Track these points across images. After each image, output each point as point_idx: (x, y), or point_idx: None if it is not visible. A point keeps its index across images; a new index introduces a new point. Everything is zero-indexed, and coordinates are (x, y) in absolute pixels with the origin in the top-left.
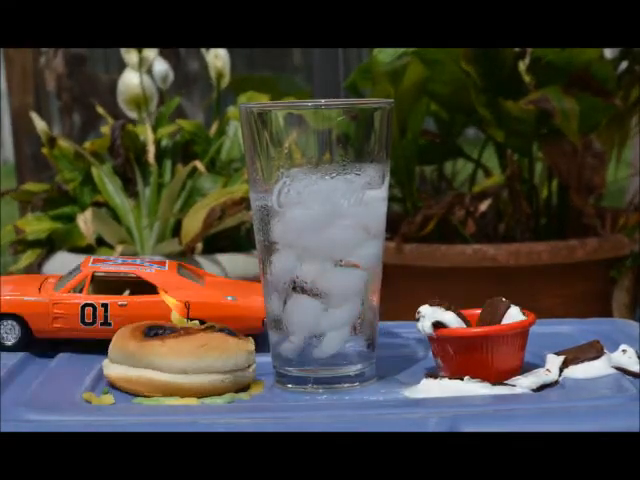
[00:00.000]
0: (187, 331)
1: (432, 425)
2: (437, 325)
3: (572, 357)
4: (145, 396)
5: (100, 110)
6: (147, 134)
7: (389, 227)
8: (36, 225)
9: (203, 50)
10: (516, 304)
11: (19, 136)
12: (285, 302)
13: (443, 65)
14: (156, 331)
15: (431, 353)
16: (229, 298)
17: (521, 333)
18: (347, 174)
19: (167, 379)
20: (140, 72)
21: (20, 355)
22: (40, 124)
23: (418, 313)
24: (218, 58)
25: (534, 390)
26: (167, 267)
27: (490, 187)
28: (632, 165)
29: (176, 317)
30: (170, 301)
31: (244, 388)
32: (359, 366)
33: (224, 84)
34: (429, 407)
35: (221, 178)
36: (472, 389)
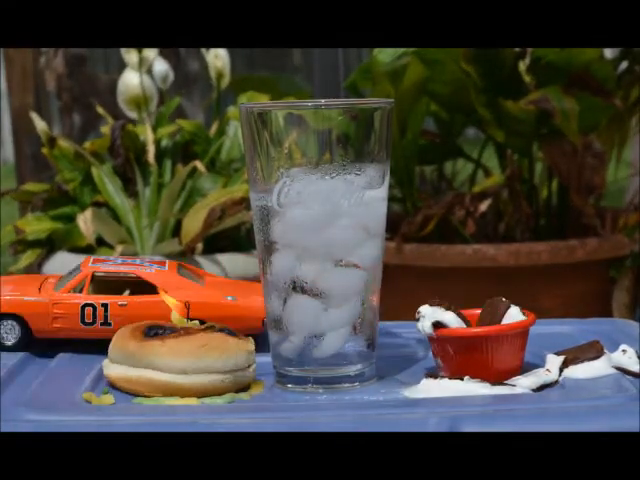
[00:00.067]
0: (187, 331)
1: (432, 425)
2: (437, 325)
3: (572, 357)
4: (145, 396)
5: (100, 110)
6: (147, 134)
7: (389, 227)
8: (36, 225)
9: (203, 50)
10: (516, 304)
11: (19, 136)
12: (285, 302)
13: (443, 65)
14: (156, 331)
15: (431, 353)
16: (229, 298)
17: (521, 333)
18: (347, 174)
19: (167, 379)
20: (140, 72)
21: (20, 355)
22: (40, 124)
23: (418, 313)
24: (218, 58)
25: (534, 390)
26: (167, 267)
27: (490, 187)
28: (632, 165)
29: (176, 317)
30: (170, 301)
31: (244, 388)
32: (359, 366)
33: (224, 84)
34: (429, 407)
35: (221, 178)
36: (472, 389)
